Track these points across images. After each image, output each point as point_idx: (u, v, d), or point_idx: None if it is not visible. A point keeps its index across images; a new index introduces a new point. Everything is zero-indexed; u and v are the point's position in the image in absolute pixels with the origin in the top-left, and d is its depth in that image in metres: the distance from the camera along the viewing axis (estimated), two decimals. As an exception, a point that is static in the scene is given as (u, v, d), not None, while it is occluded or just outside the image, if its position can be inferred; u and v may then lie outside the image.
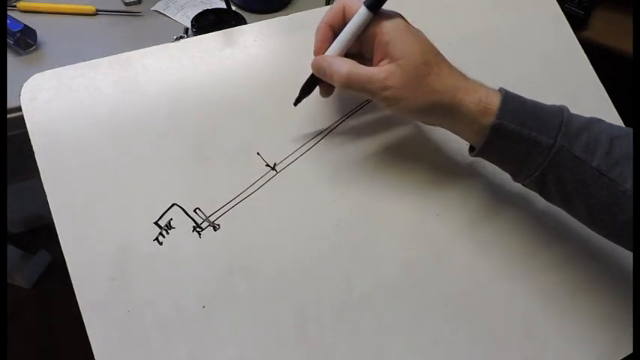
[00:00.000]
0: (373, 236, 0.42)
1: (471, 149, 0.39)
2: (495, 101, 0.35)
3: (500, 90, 0.36)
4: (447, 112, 0.36)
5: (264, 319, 0.38)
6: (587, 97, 0.52)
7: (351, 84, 0.36)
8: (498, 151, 0.37)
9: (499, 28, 0.52)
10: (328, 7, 0.47)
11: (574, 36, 0.54)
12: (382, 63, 0.36)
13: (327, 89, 0.40)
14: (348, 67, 0.36)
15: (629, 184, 0.33)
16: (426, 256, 0.43)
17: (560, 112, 0.36)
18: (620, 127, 0.36)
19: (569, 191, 0.35)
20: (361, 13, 0.36)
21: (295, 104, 0.41)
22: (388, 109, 0.37)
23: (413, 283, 0.42)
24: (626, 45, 0.90)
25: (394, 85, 0.35)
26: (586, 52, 0.53)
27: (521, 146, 0.35)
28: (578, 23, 0.91)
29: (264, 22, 0.47)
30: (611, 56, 0.89)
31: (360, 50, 0.39)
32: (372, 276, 0.41)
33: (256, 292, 0.39)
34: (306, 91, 0.40)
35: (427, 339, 0.41)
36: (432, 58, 0.36)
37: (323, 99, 0.43)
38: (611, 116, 0.52)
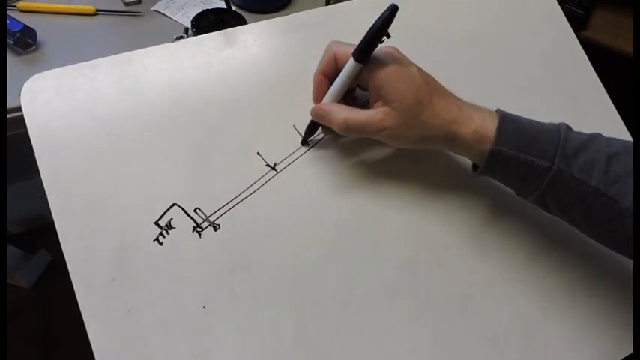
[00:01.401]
0: (373, 236, 0.42)
1: (474, 167, 0.40)
2: (491, 128, 0.36)
3: (498, 112, 0.37)
4: (445, 143, 0.38)
5: (264, 319, 0.38)
6: (587, 97, 0.52)
7: (349, 129, 0.38)
8: (498, 174, 0.38)
9: (499, 28, 0.52)
10: (327, 6, 0.47)
11: (574, 36, 0.54)
12: (377, 104, 0.37)
13: (329, 129, 0.42)
14: (345, 114, 0.38)
15: (628, 202, 0.34)
16: (426, 256, 0.43)
17: (557, 132, 0.36)
18: (619, 141, 0.37)
19: (569, 210, 0.36)
20: (350, 64, 0.37)
21: (302, 144, 0.43)
22: (389, 145, 0.39)
23: (413, 283, 0.42)
24: (626, 45, 0.90)
25: (390, 126, 0.37)
26: (586, 52, 0.53)
27: (519, 170, 0.36)
28: (578, 23, 0.91)
29: (264, 22, 0.47)
30: (611, 56, 0.89)
31: (356, 86, 0.41)
32: (372, 276, 0.41)
33: (256, 292, 0.39)
34: (310, 131, 0.42)
35: (427, 339, 0.41)
36: (424, 96, 0.37)
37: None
38: (611, 116, 0.52)
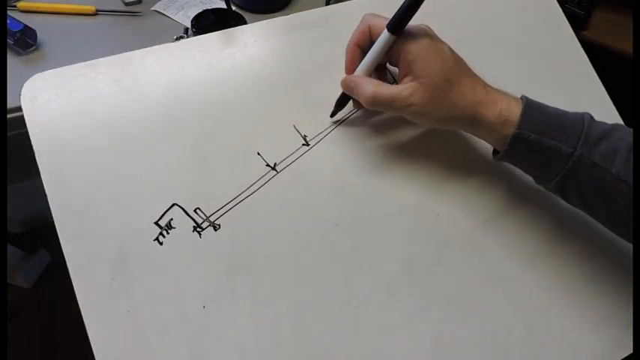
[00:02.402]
0: (373, 236, 0.42)
1: (494, 153, 0.40)
2: (516, 112, 0.36)
3: (522, 98, 0.38)
4: (469, 124, 0.38)
5: (264, 318, 0.38)
6: (587, 97, 0.52)
7: (376, 104, 0.38)
8: (519, 159, 0.38)
9: (499, 28, 0.52)
10: (327, 6, 0.47)
11: (574, 36, 0.54)
12: (406, 80, 0.38)
13: (359, 103, 0.42)
14: (373, 88, 0.38)
15: None
16: (426, 256, 0.43)
17: (581, 120, 0.36)
18: None
19: (588, 197, 0.36)
20: (384, 36, 0.38)
21: (332, 116, 0.44)
22: (414, 122, 0.39)
23: (413, 283, 0.42)
24: (626, 45, 0.90)
25: (417, 102, 0.37)
26: (586, 52, 0.53)
27: (541, 154, 0.36)
28: (578, 23, 0.91)
29: (264, 22, 0.47)
30: (611, 56, 0.89)
31: (387, 61, 0.41)
32: (372, 276, 0.41)
33: (256, 292, 0.39)
34: (340, 104, 0.43)
35: (427, 339, 0.41)
36: (453, 74, 0.37)
37: (324, 99, 0.43)
38: (611, 116, 0.52)
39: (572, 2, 0.92)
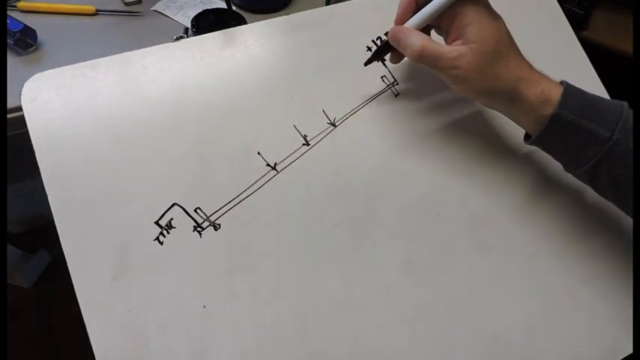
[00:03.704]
0: (373, 236, 0.42)
1: (526, 137, 0.40)
2: (557, 93, 0.36)
3: (562, 82, 0.38)
4: (509, 100, 0.38)
5: (264, 319, 0.38)
6: (587, 97, 0.52)
7: (422, 59, 0.38)
8: (555, 141, 0.38)
9: (499, 28, 0.52)
10: (327, 6, 0.47)
11: (574, 36, 0.54)
12: (456, 43, 0.37)
13: (398, 57, 0.42)
14: (422, 42, 0.37)
15: None
16: (427, 256, 0.43)
17: (621, 106, 0.36)
18: None
19: (620, 183, 0.36)
20: None
21: (366, 64, 0.43)
22: (453, 88, 0.39)
23: (413, 282, 0.42)
24: (626, 45, 0.90)
25: (463, 66, 0.36)
26: (586, 52, 0.53)
27: (578, 136, 0.36)
28: (578, 23, 0.91)
29: (264, 22, 0.47)
30: (611, 56, 0.89)
31: (437, 24, 0.40)
32: (372, 276, 0.41)
33: (256, 292, 0.39)
34: (378, 54, 0.42)
35: (427, 339, 0.41)
36: (504, 46, 0.37)
37: (324, 99, 0.43)
38: (611, 116, 0.52)
39: (572, 2, 0.92)
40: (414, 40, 0.38)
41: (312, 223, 0.41)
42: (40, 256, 1.26)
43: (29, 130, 0.38)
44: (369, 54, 0.45)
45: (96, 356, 0.35)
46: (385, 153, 0.45)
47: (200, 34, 0.45)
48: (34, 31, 0.68)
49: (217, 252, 0.39)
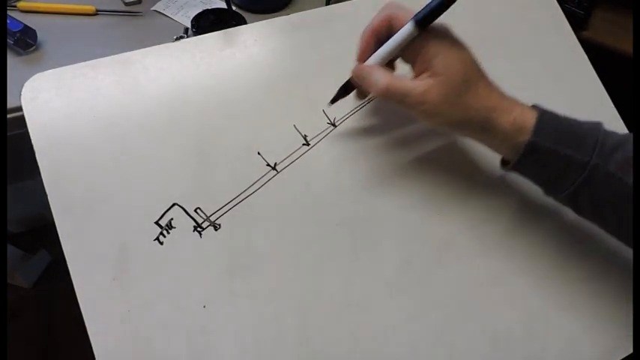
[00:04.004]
0: (374, 236, 0.42)
1: (504, 163, 0.39)
2: (531, 120, 0.35)
3: (536, 107, 0.37)
4: (481, 129, 0.37)
5: (264, 319, 0.38)
6: (587, 97, 0.52)
7: (389, 96, 0.37)
8: (532, 168, 0.37)
9: (499, 28, 0.52)
10: (327, 6, 0.47)
11: (574, 36, 0.54)
12: (423, 76, 0.36)
13: (363, 93, 0.41)
14: (387, 79, 0.36)
15: None
16: (427, 255, 0.43)
17: (597, 129, 0.36)
18: None
19: (602, 206, 0.36)
20: (408, 28, 0.36)
21: (331, 103, 0.42)
22: (423, 122, 0.38)
23: (413, 282, 0.42)
24: (626, 45, 0.90)
25: (431, 100, 0.35)
26: (586, 52, 0.53)
27: (555, 163, 0.35)
28: (578, 23, 0.91)
29: (264, 22, 0.47)
30: (611, 56, 0.89)
31: (402, 55, 0.39)
32: (372, 276, 0.41)
33: (256, 292, 0.39)
34: (343, 92, 0.41)
35: (427, 339, 0.41)
36: (472, 76, 0.36)
37: (324, 99, 0.43)
38: (611, 116, 0.52)
39: (572, 2, 0.92)
40: (378, 78, 0.37)
41: (312, 223, 0.41)
42: (40, 256, 1.26)
43: (29, 130, 0.38)
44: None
45: (96, 356, 0.35)
46: (385, 152, 0.45)
47: (200, 34, 0.45)
48: (34, 31, 0.67)
49: (217, 252, 0.39)
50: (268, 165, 0.42)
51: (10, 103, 0.57)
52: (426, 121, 0.37)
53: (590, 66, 0.53)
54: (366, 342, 0.40)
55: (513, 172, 0.38)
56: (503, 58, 0.51)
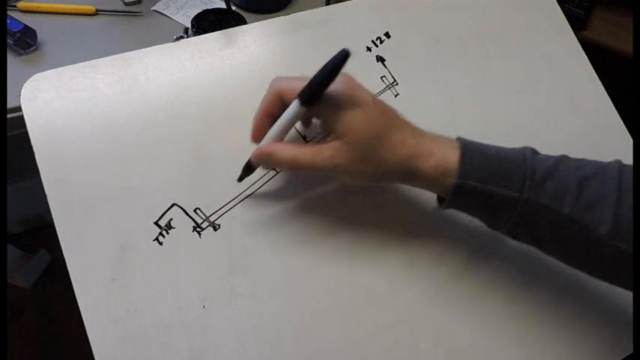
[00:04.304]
0: (374, 236, 0.42)
1: (440, 200, 0.38)
2: (453, 160, 0.34)
3: (459, 142, 0.35)
4: (404, 178, 0.36)
5: (264, 319, 0.38)
6: (587, 97, 0.52)
7: (299, 167, 0.35)
8: (465, 207, 0.36)
9: (499, 28, 0.52)
10: (327, 6, 0.47)
11: (574, 36, 0.54)
12: (329, 139, 0.35)
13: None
14: (292, 152, 0.35)
15: (603, 229, 0.32)
16: (428, 255, 0.43)
17: (523, 159, 0.34)
18: (587, 163, 0.35)
19: (543, 240, 0.35)
20: (295, 107, 0.34)
21: (239, 180, 0.40)
22: (345, 182, 0.37)
23: (413, 282, 0.42)
24: (626, 45, 0.90)
25: (342, 162, 0.34)
26: (586, 52, 0.53)
27: (487, 202, 0.34)
28: (578, 23, 0.91)
29: (264, 22, 0.47)
30: (611, 56, 0.89)
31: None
32: (373, 275, 0.41)
33: (256, 292, 0.39)
34: (247, 170, 0.39)
35: (428, 339, 0.41)
36: (380, 130, 0.34)
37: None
38: (611, 116, 0.52)
39: (572, 2, 0.92)
40: (283, 154, 0.35)
41: (312, 223, 0.41)
42: (40, 256, 1.26)
43: (29, 131, 0.38)
44: (368, 55, 0.45)
45: (96, 356, 0.35)
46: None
47: (200, 34, 0.45)
48: (34, 31, 0.68)
49: (217, 252, 0.39)
50: (268, 165, 0.42)
51: (10, 103, 0.57)
52: (348, 181, 0.36)
53: (590, 66, 0.53)
54: (366, 342, 0.40)
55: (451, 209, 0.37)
56: (503, 58, 0.51)
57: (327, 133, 0.35)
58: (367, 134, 0.34)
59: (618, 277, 0.35)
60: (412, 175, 0.35)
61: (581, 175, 0.33)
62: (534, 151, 0.36)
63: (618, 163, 0.35)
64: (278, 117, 0.36)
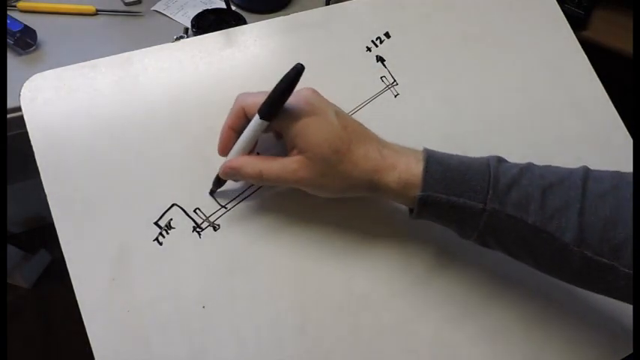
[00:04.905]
0: (374, 236, 0.42)
1: (411, 211, 0.38)
2: (417, 172, 0.34)
3: (424, 153, 0.35)
4: (369, 190, 0.36)
5: (264, 319, 0.38)
6: (587, 97, 0.52)
7: (265, 181, 0.36)
8: (433, 217, 0.36)
9: (499, 28, 0.52)
10: (327, 6, 0.47)
11: (574, 36, 0.54)
12: (293, 152, 0.35)
13: None
14: (259, 166, 0.36)
15: (567, 237, 0.32)
16: (427, 255, 0.43)
17: (487, 169, 0.34)
18: (552, 170, 0.35)
19: (512, 248, 0.35)
20: (256, 122, 0.35)
21: (211, 194, 0.40)
22: (312, 194, 0.37)
23: (413, 282, 0.42)
24: (626, 45, 0.90)
25: (305, 176, 0.35)
26: (586, 52, 0.53)
27: (452, 213, 0.34)
28: (578, 23, 0.91)
29: (264, 22, 0.47)
30: (611, 56, 0.89)
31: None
32: (372, 276, 0.41)
33: (256, 292, 0.39)
34: (217, 184, 0.40)
35: (427, 339, 0.41)
36: (341, 144, 0.34)
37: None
38: (611, 116, 0.52)
39: (572, 2, 0.92)
40: (249, 169, 0.36)
41: (311, 223, 0.41)
42: (40, 256, 1.26)
43: (28, 131, 0.38)
44: (368, 55, 0.45)
45: (95, 356, 0.35)
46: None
47: (200, 34, 0.45)
48: (34, 31, 0.68)
49: (217, 252, 0.39)
50: (268, 165, 0.42)
51: (10, 103, 0.57)
52: (314, 193, 0.37)
53: (590, 66, 0.53)
54: (366, 342, 0.40)
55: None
56: (503, 58, 0.51)
57: (291, 147, 0.36)
58: (329, 149, 0.34)
59: (588, 283, 0.35)
60: (376, 188, 0.35)
61: (545, 184, 0.34)
62: (500, 160, 0.36)
63: (583, 169, 0.35)
64: (240, 133, 0.37)
